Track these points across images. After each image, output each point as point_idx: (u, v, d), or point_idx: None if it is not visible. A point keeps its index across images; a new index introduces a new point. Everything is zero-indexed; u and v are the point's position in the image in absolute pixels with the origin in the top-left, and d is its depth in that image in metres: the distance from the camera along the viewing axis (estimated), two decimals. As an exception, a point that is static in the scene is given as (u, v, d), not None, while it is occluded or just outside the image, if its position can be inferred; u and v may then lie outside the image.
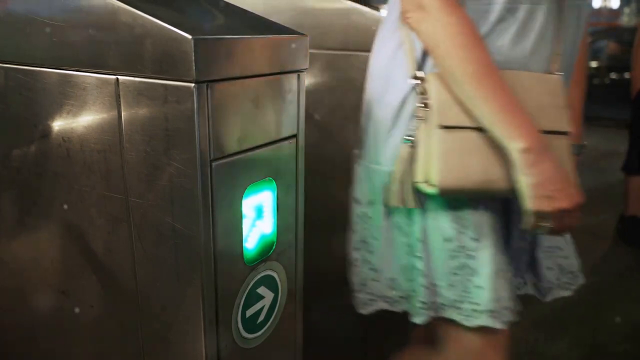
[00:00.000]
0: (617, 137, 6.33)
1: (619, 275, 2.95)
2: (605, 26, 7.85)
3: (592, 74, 7.21)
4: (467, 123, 0.85)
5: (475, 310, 0.93)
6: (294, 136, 0.83)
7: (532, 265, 1.11)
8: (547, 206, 0.82)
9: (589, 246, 3.32)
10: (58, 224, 0.86)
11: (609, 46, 6.76)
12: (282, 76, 0.77)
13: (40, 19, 0.75)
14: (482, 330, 0.95)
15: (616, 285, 2.83)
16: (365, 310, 1.08)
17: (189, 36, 0.61)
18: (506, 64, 0.87)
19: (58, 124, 0.79)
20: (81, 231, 0.83)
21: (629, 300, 2.68)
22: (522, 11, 0.87)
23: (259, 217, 0.80)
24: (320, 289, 1.69)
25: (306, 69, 0.81)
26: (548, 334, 2.34)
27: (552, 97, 0.89)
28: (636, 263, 3.12)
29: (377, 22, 1.48)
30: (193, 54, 0.61)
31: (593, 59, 7.27)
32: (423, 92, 0.87)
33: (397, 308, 1.04)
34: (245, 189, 0.75)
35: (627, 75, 6.82)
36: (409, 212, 0.95)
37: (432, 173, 0.86)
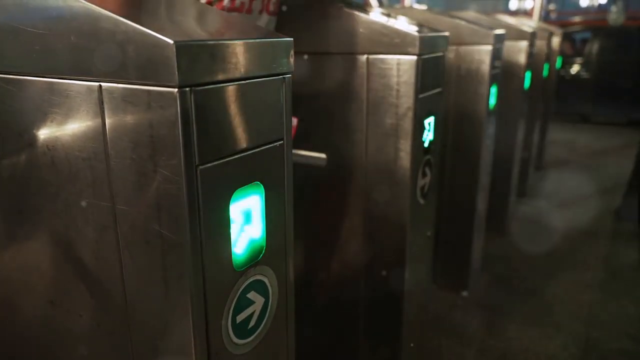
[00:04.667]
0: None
1: (613, 272, 2.97)
2: (594, 24, 7.90)
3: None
4: None
5: None
6: (281, 139, 0.82)
7: None
8: None
9: (584, 243, 3.34)
10: (45, 233, 0.85)
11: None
12: (267, 80, 0.77)
13: (22, 27, 0.75)
14: None
15: (611, 283, 2.85)
16: None
17: (170, 41, 0.61)
18: None
19: (43, 133, 0.79)
20: (68, 240, 0.82)
21: (624, 297, 2.69)
22: None
23: (247, 221, 0.79)
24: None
25: (292, 72, 0.81)
26: (543, 332, 2.35)
27: None
28: (631, 260, 3.14)
29: (365, 24, 1.48)
30: (175, 59, 0.61)
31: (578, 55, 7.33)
32: None
33: None
34: (233, 193, 0.74)
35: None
36: None
37: None
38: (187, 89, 0.63)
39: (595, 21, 8.43)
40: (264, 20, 1.40)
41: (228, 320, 0.78)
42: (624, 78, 6.97)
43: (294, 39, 0.81)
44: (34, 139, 0.80)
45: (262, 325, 0.86)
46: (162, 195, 0.68)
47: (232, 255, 0.77)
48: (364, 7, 1.72)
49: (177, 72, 0.61)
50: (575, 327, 2.39)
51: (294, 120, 1.43)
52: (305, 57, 1.53)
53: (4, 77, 0.80)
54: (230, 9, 1.27)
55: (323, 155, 1.45)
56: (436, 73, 1.62)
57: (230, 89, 0.70)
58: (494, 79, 2.41)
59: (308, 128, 1.60)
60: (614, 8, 7.87)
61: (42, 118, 0.77)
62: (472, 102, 2.39)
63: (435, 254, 1.98)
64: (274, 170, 0.82)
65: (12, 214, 0.88)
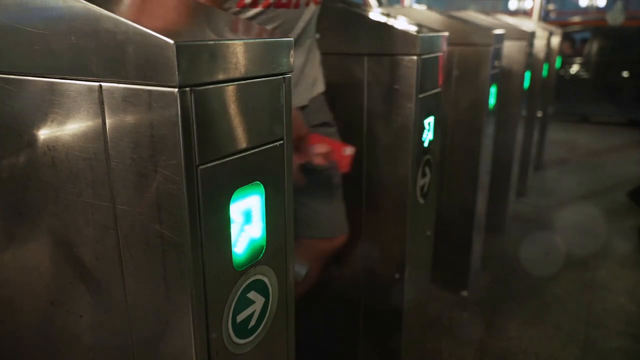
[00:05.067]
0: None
1: (612, 270, 2.97)
2: (593, 24, 7.91)
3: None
4: None
5: None
6: (281, 139, 0.82)
7: None
8: None
9: (582, 241, 3.34)
10: (45, 234, 0.85)
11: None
12: (267, 80, 0.77)
13: (22, 27, 0.75)
14: None
15: (610, 281, 2.85)
16: None
17: (171, 41, 0.61)
18: None
19: (43, 133, 0.79)
20: (68, 240, 0.82)
21: (623, 296, 2.69)
22: None
23: (247, 221, 0.79)
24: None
25: (291, 72, 0.81)
26: (543, 331, 2.35)
27: None
28: (630, 259, 3.14)
29: (365, 24, 1.48)
30: (175, 59, 0.61)
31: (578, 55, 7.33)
32: None
33: None
34: (233, 193, 0.75)
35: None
36: None
37: None
38: (188, 89, 0.63)
39: (595, 21, 8.43)
40: (312, 10, 1.36)
41: (228, 319, 0.78)
42: (624, 78, 6.98)
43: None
44: (34, 139, 0.80)
45: (262, 325, 0.87)
46: (163, 195, 0.69)
47: (233, 255, 0.77)
48: (364, 7, 1.72)
49: (177, 72, 0.61)
50: (575, 326, 2.40)
51: (349, 150, 1.39)
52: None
53: (4, 77, 0.80)
54: (278, 5, 1.25)
55: (304, 270, 1.40)
56: (436, 73, 1.62)
57: (231, 89, 0.70)
58: (493, 78, 2.41)
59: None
60: (613, 8, 7.88)
61: (42, 118, 0.77)
62: (471, 102, 2.39)
63: (435, 253, 1.99)
64: (274, 170, 0.82)
65: (12, 215, 0.88)
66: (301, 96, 1.38)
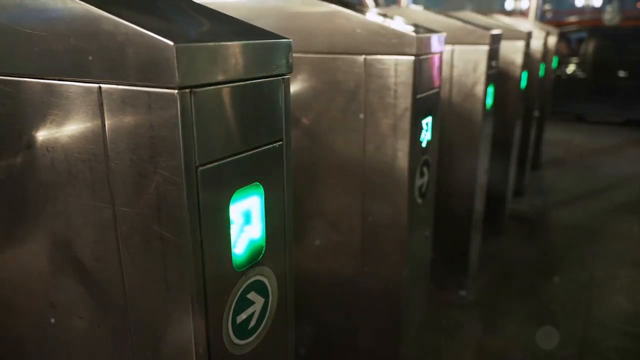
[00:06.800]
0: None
1: (610, 269, 2.98)
2: (590, 24, 7.93)
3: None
4: None
5: None
6: (280, 140, 0.83)
7: None
8: None
9: (579, 241, 3.35)
10: (44, 235, 0.85)
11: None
12: (266, 81, 0.77)
13: (21, 28, 0.75)
14: None
15: (608, 280, 2.86)
16: None
17: (171, 43, 0.61)
18: None
19: (42, 134, 0.79)
20: (68, 241, 0.82)
21: (622, 294, 2.70)
22: None
23: (247, 222, 0.80)
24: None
25: (290, 73, 0.81)
26: (540, 330, 2.36)
27: None
28: (628, 257, 3.15)
29: (362, 25, 1.49)
30: (175, 60, 0.61)
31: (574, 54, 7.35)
32: None
33: None
34: (233, 194, 0.75)
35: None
36: None
37: None
38: (187, 90, 0.63)
39: (591, 21, 8.45)
40: None
41: (228, 320, 0.79)
42: (620, 78, 7.00)
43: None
44: (33, 140, 0.80)
45: (262, 326, 0.87)
46: (162, 196, 0.69)
47: (232, 256, 0.77)
48: (361, 8, 1.73)
49: (177, 74, 0.62)
50: (574, 325, 2.40)
51: None
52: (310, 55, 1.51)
53: (4, 79, 0.80)
54: None
55: None
56: (433, 73, 1.63)
57: (230, 90, 0.70)
58: (490, 79, 2.41)
59: (308, 128, 1.60)
60: (609, 8, 7.90)
61: (41, 119, 0.77)
62: (469, 102, 2.40)
63: (434, 253, 1.99)
64: (274, 171, 0.83)
65: (12, 216, 0.88)
66: None
